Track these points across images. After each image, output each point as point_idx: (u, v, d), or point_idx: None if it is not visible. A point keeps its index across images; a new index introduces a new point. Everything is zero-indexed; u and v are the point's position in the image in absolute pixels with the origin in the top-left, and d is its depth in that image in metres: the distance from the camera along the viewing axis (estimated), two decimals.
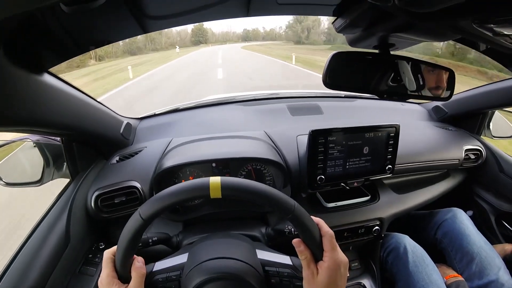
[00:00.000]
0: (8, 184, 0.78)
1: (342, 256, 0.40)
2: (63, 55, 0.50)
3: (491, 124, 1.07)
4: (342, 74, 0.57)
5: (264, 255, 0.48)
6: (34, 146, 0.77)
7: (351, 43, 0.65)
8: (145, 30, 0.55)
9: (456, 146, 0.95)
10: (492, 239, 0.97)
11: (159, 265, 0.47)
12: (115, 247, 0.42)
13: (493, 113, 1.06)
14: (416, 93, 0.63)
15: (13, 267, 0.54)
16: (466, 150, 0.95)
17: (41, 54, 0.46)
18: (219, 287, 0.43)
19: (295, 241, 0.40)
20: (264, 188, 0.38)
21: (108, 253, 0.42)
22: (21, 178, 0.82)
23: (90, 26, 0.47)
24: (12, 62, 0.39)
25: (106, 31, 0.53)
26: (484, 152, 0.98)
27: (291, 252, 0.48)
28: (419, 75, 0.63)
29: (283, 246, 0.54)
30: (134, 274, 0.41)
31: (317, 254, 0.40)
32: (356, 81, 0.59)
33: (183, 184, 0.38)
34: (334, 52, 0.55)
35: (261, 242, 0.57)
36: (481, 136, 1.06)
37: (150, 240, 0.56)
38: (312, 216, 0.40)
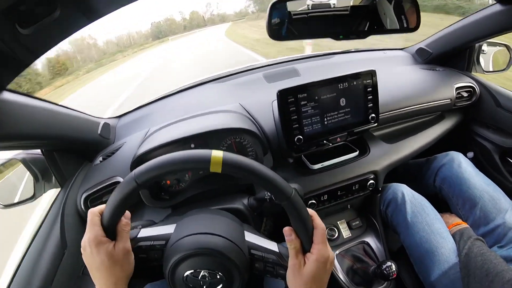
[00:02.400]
0: (6, 206, 0.81)
1: (330, 252, 0.40)
2: (18, 68, 0.50)
3: (480, 58, 1.01)
4: (287, 23, 0.54)
5: (252, 238, 0.47)
6: (21, 164, 0.79)
7: None
8: (89, 18, 0.55)
9: (445, 85, 0.90)
10: (499, 178, 0.92)
11: (145, 232, 0.46)
12: (101, 206, 0.41)
13: (480, 47, 1.00)
14: (378, 28, 0.60)
15: (17, 278, 0.56)
16: (458, 88, 0.91)
17: None
18: (202, 262, 0.42)
19: (286, 229, 0.40)
20: (265, 170, 0.37)
21: (94, 211, 0.41)
22: (15, 198, 0.84)
23: (43, 35, 0.47)
24: None
25: (58, 33, 0.53)
26: (477, 89, 0.93)
27: (279, 238, 0.47)
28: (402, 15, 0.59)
29: (276, 234, 0.52)
30: (120, 230, 0.40)
31: (306, 245, 0.39)
32: (303, 27, 0.56)
33: (184, 152, 0.37)
34: (272, 1, 0.52)
35: (250, 226, 0.56)
36: (472, 73, 1.00)
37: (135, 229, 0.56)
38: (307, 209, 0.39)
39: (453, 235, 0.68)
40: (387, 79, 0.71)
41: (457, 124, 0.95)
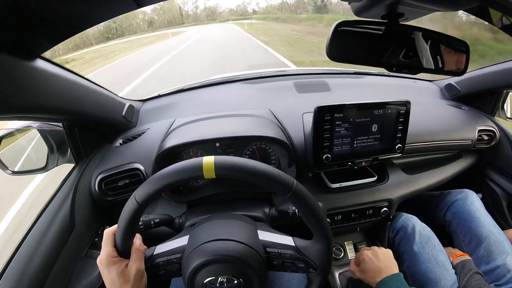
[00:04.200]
0: (14, 173, 0.79)
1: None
2: (55, 38, 0.49)
3: (505, 104, 1.03)
4: (347, 46, 0.54)
5: (266, 236, 0.47)
6: (37, 133, 0.77)
7: (357, 12, 0.61)
8: (138, 4, 0.53)
9: (469, 126, 0.91)
10: (503, 224, 0.94)
11: (160, 248, 0.47)
12: (115, 226, 0.42)
13: (507, 93, 1.01)
14: (429, 68, 0.60)
15: (19, 254, 0.55)
16: (480, 131, 0.91)
17: (32, 39, 0.45)
18: (219, 269, 0.42)
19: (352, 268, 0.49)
20: (261, 166, 0.37)
21: (108, 232, 0.43)
22: (26, 166, 0.82)
23: (84, 4, 0.46)
24: (1, 50, 0.38)
25: (100, 9, 0.51)
26: (497, 133, 0.94)
27: (294, 233, 0.47)
28: (437, 54, 0.59)
29: (287, 227, 0.53)
30: (134, 251, 0.42)
31: (318, 232, 0.40)
32: (362, 53, 0.56)
33: (176, 165, 0.38)
34: (338, 21, 0.53)
35: (263, 222, 0.56)
36: (495, 117, 1.02)
37: (152, 222, 0.55)
38: None
39: (456, 266, 0.72)
40: (415, 109, 0.71)
41: (473, 164, 0.97)
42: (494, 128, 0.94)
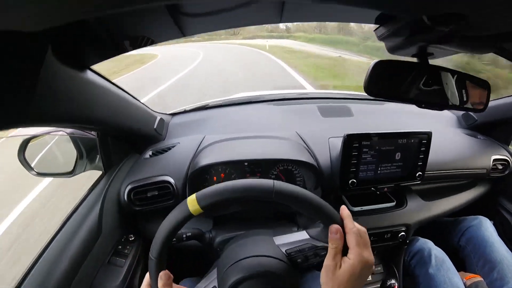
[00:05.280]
0: (39, 174, 0.80)
1: (370, 257, 0.37)
2: (104, 54, 0.51)
3: None
4: (383, 82, 0.57)
5: (282, 240, 0.48)
6: (68, 139, 0.79)
7: (390, 50, 0.65)
8: (184, 33, 0.56)
9: (484, 155, 0.93)
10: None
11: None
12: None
13: None
14: (455, 104, 0.63)
15: (45, 257, 0.56)
16: (494, 160, 0.94)
17: (85, 52, 0.47)
18: (252, 286, 0.43)
19: (333, 227, 0.38)
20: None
21: (145, 281, 0.44)
22: (53, 169, 0.84)
23: (130, 27, 0.48)
24: (58, 60, 0.40)
25: (145, 33, 0.54)
26: (511, 163, 0.96)
27: None
28: (463, 90, 0.63)
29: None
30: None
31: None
32: (396, 90, 0.59)
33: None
34: (377, 60, 0.56)
35: (276, 229, 0.56)
36: (510, 146, 1.04)
37: (184, 236, 0.56)
38: (342, 209, 0.39)
39: (470, 286, 0.74)
40: (433, 138, 0.74)
41: (486, 192, 0.99)
42: (508, 157, 0.96)
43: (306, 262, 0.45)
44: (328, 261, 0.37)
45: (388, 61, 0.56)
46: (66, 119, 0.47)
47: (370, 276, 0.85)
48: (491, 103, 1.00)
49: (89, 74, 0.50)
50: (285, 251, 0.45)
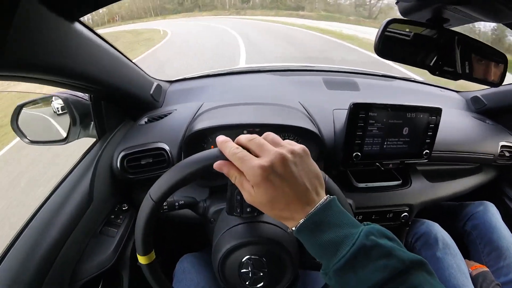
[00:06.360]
0: (32, 142, 0.77)
1: (275, 153, 0.31)
2: (97, 4, 0.48)
3: None
4: (394, 43, 0.54)
5: None
6: (62, 103, 0.76)
7: (403, 13, 0.61)
8: None
9: (492, 140, 0.90)
10: None
11: None
12: None
13: None
14: (469, 74, 0.60)
15: (33, 223, 0.53)
16: (502, 147, 0.91)
17: (74, 1, 0.44)
18: (249, 251, 0.43)
19: (214, 166, 0.34)
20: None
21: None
22: (46, 136, 0.81)
23: None
24: (45, 8, 0.37)
25: None
26: None
27: None
28: (478, 60, 0.60)
29: None
30: None
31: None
32: (408, 53, 0.56)
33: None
34: (389, 18, 0.53)
35: None
36: None
37: (177, 204, 0.54)
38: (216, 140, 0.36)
39: (475, 276, 0.72)
40: (442, 117, 0.71)
41: (492, 179, 0.96)
42: None
43: None
44: (243, 193, 0.33)
45: (401, 20, 0.53)
46: (52, 70, 0.44)
47: None
48: (501, 88, 0.98)
49: (78, 27, 0.47)
50: None
